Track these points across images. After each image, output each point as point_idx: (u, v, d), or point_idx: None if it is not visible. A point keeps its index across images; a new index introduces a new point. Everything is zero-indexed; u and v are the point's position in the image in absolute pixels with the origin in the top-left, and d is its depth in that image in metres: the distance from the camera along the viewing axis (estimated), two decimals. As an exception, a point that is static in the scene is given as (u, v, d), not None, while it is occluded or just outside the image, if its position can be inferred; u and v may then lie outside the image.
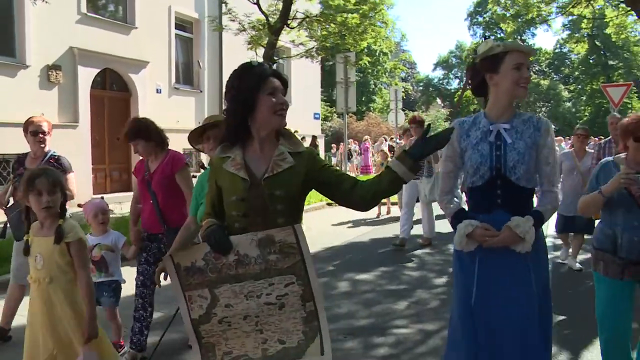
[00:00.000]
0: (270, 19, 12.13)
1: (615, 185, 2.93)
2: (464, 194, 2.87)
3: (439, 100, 56.78)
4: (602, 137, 18.48)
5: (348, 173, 2.77)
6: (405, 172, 2.12)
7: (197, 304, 2.21)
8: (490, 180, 2.54)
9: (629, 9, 10.10)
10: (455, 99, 49.85)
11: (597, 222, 6.36)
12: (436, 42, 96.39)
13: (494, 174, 2.53)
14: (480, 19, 50.22)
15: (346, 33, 12.84)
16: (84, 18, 12.67)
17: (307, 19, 12.74)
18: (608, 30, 16.45)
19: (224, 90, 11.64)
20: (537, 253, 2.52)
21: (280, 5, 12.35)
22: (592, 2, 12.03)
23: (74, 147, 12.09)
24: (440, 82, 58.33)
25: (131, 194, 4.65)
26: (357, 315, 5.07)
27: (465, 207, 2.73)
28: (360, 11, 13.06)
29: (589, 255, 7.18)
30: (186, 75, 16.19)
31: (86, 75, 12.81)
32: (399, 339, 4.46)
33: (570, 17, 15.24)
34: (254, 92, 2.18)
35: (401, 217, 8.29)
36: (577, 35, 22.33)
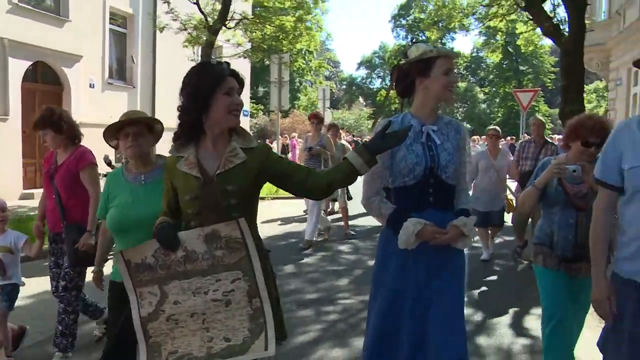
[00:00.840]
0: (209, 19, 12.62)
1: (548, 176, 3.09)
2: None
3: (361, 99, 58.53)
4: (514, 137, 20.26)
5: None
6: (362, 165, 2.21)
7: (147, 300, 2.24)
8: (424, 179, 2.60)
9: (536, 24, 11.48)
10: (378, 99, 51.63)
11: (507, 215, 7.38)
12: (360, 42, 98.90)
13: (428, 173, 2.59)
14: (404, 22, 52.33)
15: (282, 35, 13.57)
16: (15, 8, 12.60)
17: (245, 20, 13.37)
18: (518, 42, 18.31)
19: (157, 85, 12.21)
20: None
21: (217, 6, 12.91)
22: (505, 16, 13.59)
23: (3, 140, 12.10)
24: (364, 81, 60.16)
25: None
26: (305, 290, 5.86)
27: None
28: (297, 14, 13.82)
29: (498, 240, 8.29)
30: (120, 71, 16.34)
31: (17, 68, 12.75)
32: (344, 307, 5.29)
33: (487, 25, 16.76)
34: (212, 90, 2.21)
35: (309, 218, 8.33)
36: (492, 42, 24.37)
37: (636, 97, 15.56)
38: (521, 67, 48.07)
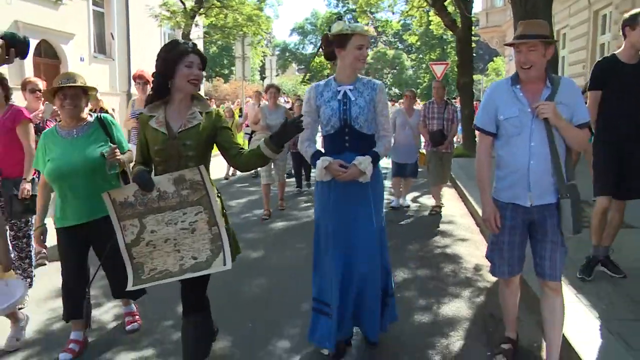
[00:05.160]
0: (186, 6, 16.41)
1: None
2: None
3: (294, 65, 62.30)
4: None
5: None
6: (270, 153, 2.78)
7: (129, 231, 2.81)
8: (340, 129, 3.24)
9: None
10: (311, 64, 55.57)
11: (420, 168, 8.31)
12: (291, 8, 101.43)
13: (342, 124, 3.22)
14: (335, -10, 56.20)
15: (245, 23, 17.49)
16: (22, -6, 15.63)
17: (213, 7, 17.26)
18: (431, 27, 23.33)
19: (131, 58, 17.65)
20: (376, 180, 3.33)
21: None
22: (421, 9, 18.45)
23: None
24: (296, 47, 63.93)
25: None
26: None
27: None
28: (258, 6, 17.93)
29: (415, 194, 9.60)
30: (101, 46, 19.71)
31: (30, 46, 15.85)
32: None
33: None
34: (175, 62, 2.77)
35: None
36: (410, 27, 29.82)
37: (523, 70, 20.49)
38: (444, 36, 53.10)
